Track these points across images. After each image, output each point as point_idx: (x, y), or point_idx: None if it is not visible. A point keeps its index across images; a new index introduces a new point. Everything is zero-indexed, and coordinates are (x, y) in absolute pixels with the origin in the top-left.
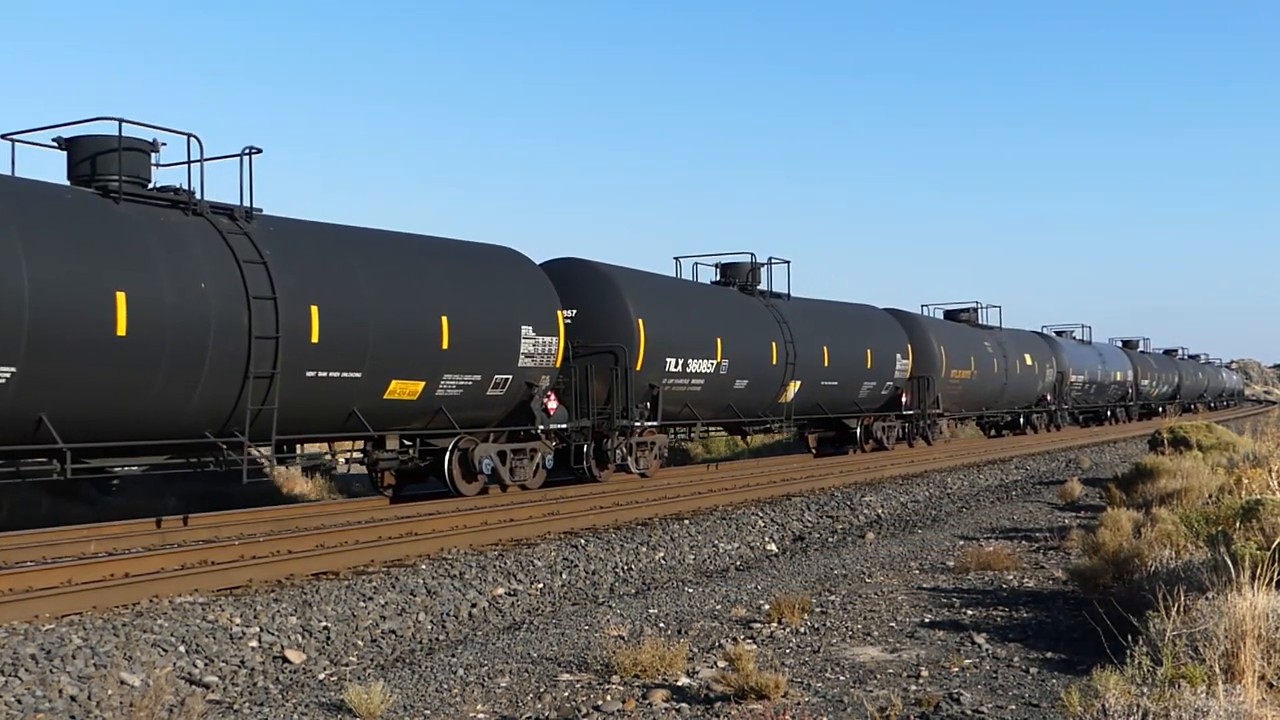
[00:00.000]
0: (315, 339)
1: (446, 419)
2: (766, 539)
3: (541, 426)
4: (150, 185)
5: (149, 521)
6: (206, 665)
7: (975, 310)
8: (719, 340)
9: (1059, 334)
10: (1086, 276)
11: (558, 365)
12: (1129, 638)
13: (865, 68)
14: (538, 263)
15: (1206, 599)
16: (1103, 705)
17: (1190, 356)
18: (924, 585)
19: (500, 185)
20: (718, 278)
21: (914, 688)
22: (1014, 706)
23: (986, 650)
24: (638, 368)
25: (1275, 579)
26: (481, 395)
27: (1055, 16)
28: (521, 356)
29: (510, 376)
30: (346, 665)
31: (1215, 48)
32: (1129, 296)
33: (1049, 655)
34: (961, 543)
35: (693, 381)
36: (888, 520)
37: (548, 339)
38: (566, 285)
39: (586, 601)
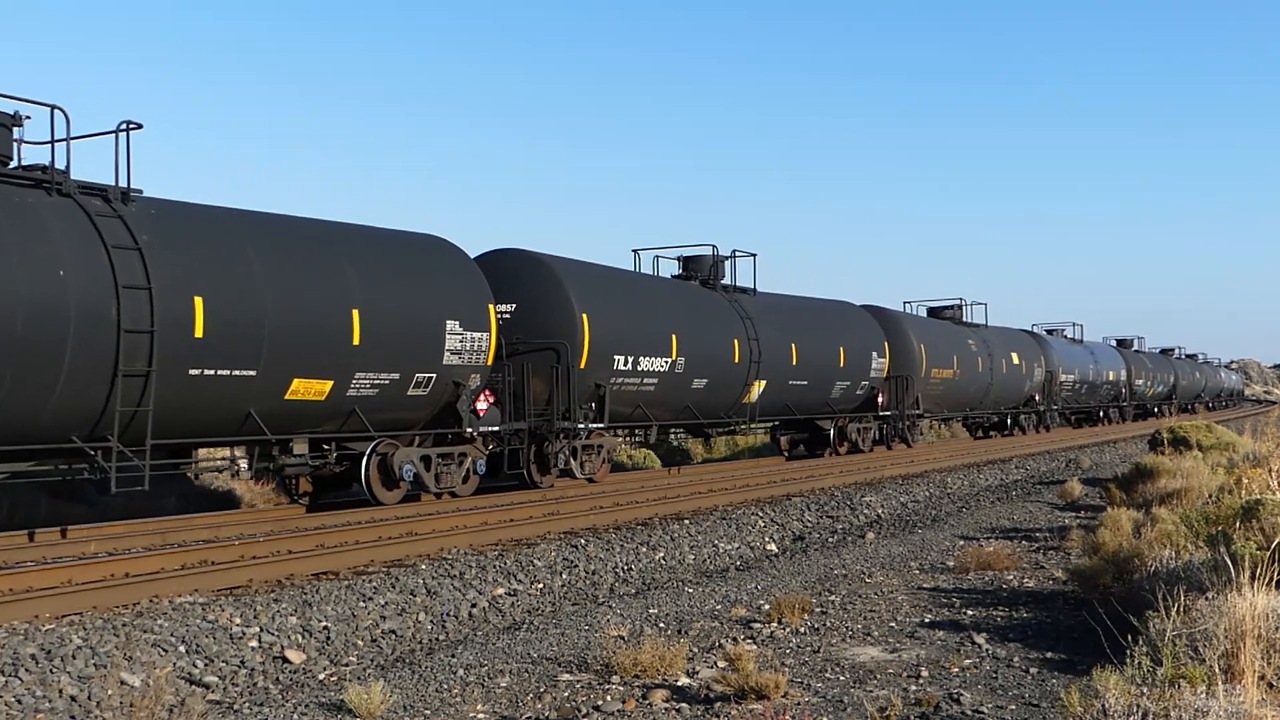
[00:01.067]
0: (200, 333)
1: (361, 421)
2: (766, 539)
3: (470, 429)
4: (13, 163)
5: (149, 521)
6: (206, 665)
7: (960, 307)
8: (674, 337)
9: (1050, 332)
10: (1088, 277)
11: (489, 363)
12: (1129, 638)
13: (857, 66)
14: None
15: (1206, 599)
16: (1103, 705)
17: (1187, 356)
18: (924, 585)
19: (499, 184)
20: (680, 271)
21: (914, 688)
22: (1014, 706)
23: (986, 650)
24: (581, 366)
25: (1275, 579)
26: (401, 395)
27: (1048, 17)
28: (446, 353)
29: (434, 375)
30: (346, 665)
31: (1216, 47)
32: (1128, 297)
33: (1049, 655)
34: (961, 543)
35: (645, 381)
36: (888, 520)
37: (477, 334)
38: (505, 277)
39: (586, 601)
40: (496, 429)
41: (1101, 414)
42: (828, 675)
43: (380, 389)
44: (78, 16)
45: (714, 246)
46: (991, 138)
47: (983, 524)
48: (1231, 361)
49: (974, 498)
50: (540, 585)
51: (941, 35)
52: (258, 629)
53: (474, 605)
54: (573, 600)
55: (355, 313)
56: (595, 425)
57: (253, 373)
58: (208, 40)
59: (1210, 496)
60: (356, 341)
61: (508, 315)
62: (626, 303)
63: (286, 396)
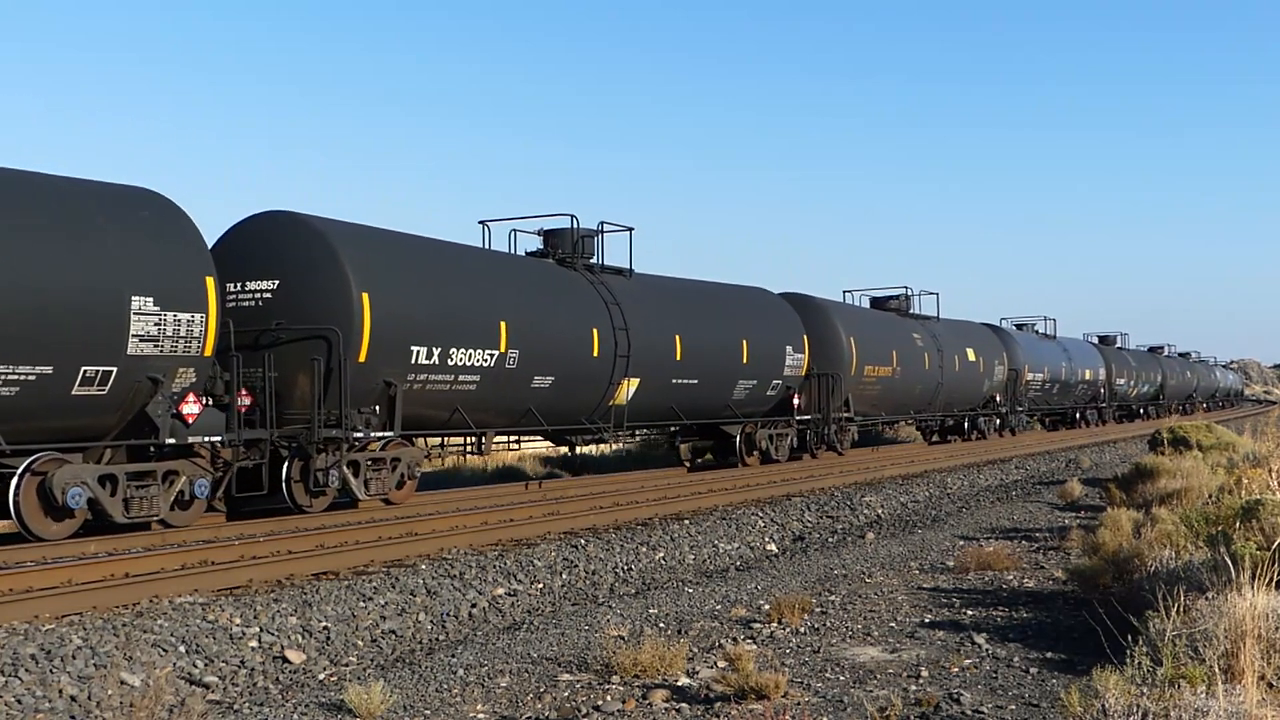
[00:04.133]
0: None
1: None
2: (766, 539)
3: (172, 439)
4: None
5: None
6: (206, 665)
7: (906, 297)
8: (502, 324)
9: (1019, 327)
10: (1087, 277)
11: (207, 354)
12: (1129, 638)
13: (857, 66)
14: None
15: (1206, 599)
16: (1102, 705)
17: (1179, 354)
18: (924, 585)
19: (499, 184)
20: (540, 248)
21: (914, 688)
22: (1014, 706)
23: (986, 650)
24: (361, 358)
25: (1275, 579)
26: (64, 396)
27: (1048, 17)
28: (132, 340)
29: (114, 369)
30: (346, 665)
31: (1215, 47)
32: (1127, 297)
33: (1049, 655)
34: (961, 543)
35: (461, 378)
36: (888, 520)
37: (185, 316)
38: (264, 247)
39: (586, 601)
40: (219, 439)
41: (1078, 416)
42: (828, 675)
43: (23, 387)
44: (78, 16)
45: (573, 217)
46: (991, 137)
47: (983, 524)
48: (1231, 361)
49: (974, 498)
50: (540, 585)
51: (941, 35)
52: (258, 629)
53: (474, 605)
54: (573, 600)
55: None
56: (382, 434)
57: None
58: (208, 40)
59: (1210, 496)
60: None
61: (268, 295)
62: (432, 281)
63: None
